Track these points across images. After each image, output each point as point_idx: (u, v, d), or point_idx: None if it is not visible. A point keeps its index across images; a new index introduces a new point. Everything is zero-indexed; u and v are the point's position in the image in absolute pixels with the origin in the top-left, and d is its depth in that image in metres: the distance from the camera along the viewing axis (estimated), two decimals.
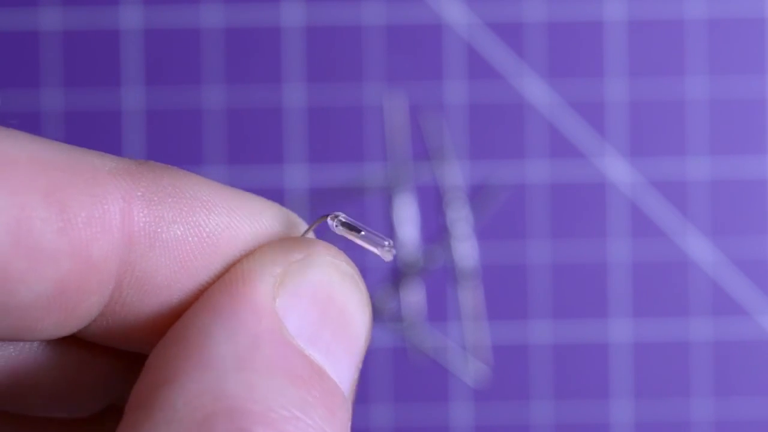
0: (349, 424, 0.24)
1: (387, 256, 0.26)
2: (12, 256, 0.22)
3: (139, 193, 0.24)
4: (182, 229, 0.24)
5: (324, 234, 0.27)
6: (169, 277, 0.24)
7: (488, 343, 0.64)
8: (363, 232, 0.27)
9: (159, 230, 0.24)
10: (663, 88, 0.64)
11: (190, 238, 0.24)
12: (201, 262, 0.25)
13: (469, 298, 0.64)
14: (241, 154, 0.64)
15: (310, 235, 0.26)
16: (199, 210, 0.24)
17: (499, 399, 0.64)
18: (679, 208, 0.64)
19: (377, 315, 0.64)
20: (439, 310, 0.64)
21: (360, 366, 0.25)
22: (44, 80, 0.64)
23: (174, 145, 0.64)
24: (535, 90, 0.64)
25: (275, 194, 0.64)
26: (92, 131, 0.64)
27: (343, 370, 0.24)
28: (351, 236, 0.27)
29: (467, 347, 0.64)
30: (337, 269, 0.25)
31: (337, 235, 0.27)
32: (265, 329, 0.23)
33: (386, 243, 0.26)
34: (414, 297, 0.64)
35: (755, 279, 0.64)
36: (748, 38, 0.64)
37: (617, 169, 0.64)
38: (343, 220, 0.27)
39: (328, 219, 0.27)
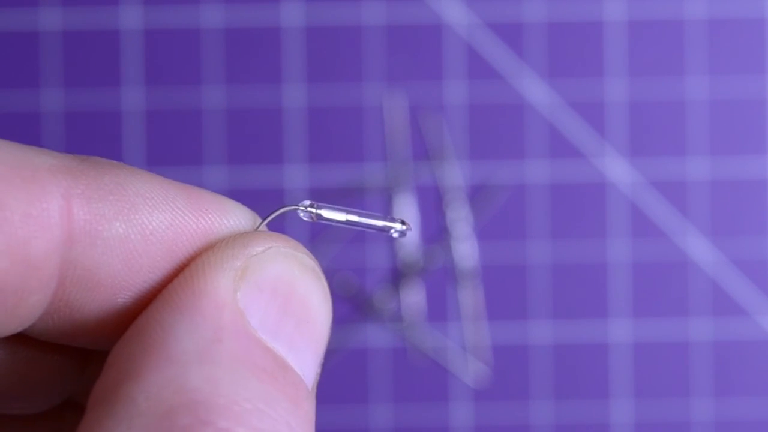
0: (314, 416, 0.24)
1: (401, 235, 0.26)
2: None
3: (79, 191, 0.24)
4: (124, 226, 0.24)
5: (326, 230, 0.27)
6: (114, 275, 0.24)
7: (488, 343, 0.64)
8: (351, 216, 0.27)
9: (100, 228, 0.24)
10: (663, 88, 0.64)
11: (132, 236, 0.24)
12: (146, 259, 0.24)
13: (469, 298, 0.64)
14: (241, 154, 0.64)
15: (264, 228, 0.26)
16: (141, 207, 0.24)
17: (499, 399, 0.64)
18: (679, 208, 0.64)
19: (377, 315, 0.64)
20: (439, 310, 0.64)
21: (322, 359, 0.25)
22: (44, 80, 0.64)
23: (174, 145, 0.64)
24: (535, 90, 0.64)
25: (275, 194, 0.64)
26: (92, 131, 0.64)
27: (306, 362, 0.24)
28: (339, 222, 0.27)
29: (467, 347, 0.64)
30: (297, 261, 0.25)
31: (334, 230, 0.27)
32: (227, 322, 0.23)
33: (397, 221, 0.26)
34: (414, 297, 0.64)
35: (755, 279, 0.64)
36: (748, 38, 0.64)
37: (617, 169, 0.64)
38: (317, 208, 0.27)
39: (300, 212, 0.27)
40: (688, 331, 0.64)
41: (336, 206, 0.27)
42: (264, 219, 0.26)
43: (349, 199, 0.64)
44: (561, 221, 0.64)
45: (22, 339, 0.26)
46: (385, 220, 0.27)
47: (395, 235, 0.27)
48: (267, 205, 0.64)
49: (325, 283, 0.25)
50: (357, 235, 0.64)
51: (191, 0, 0.64)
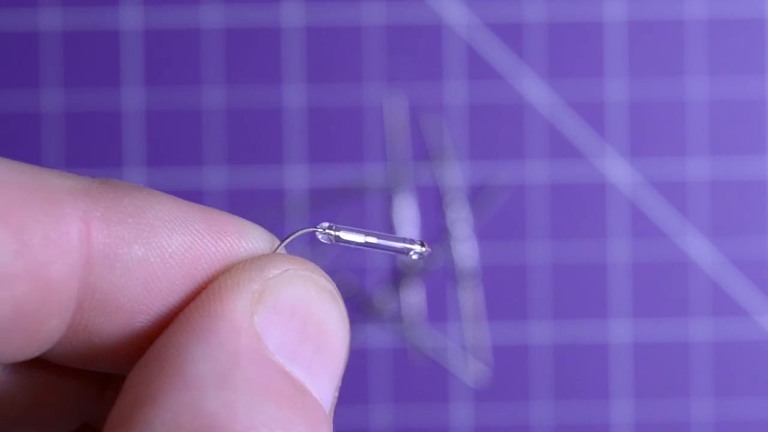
0: None
1: (420, 256, 0.26)
2: None
3: (98, 214, 0.23)
4: (143, 249, 0.24)
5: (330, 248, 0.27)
6: (133, 299, 0.24)
7: (488, 343, 0.64)
8: (370, 238, 0.26)
9: (119, 251, 0.23)
10: (663, 88, 0.64)
11: (152, 259, 0.24)
12: (165, 282, 0.24)
13: (469, 298, 0.64)
14: (241, 154, 0.64)
15: (282, 250, 0.26)
16: (160, 230, 0.24)
17: (499, 399, 0.64)
18: (679, 209, 0.64)
19: (377, 315, 0.64)
20: (439, 310, 0.64)
21: (339, 384, 0.25)
22: (44, 80, 0.64)
23: (174, 145, 0.64)
24: (535, 90, 0.64)
25: (275, 194, 0.64)
26: (92, 131, 0.64)
27: (324, 386, 0.24)
28: (357, 244, 0.27)
29: (467, 347, 0.64)
30: (315, 284, 0.24)
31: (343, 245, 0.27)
32: (244, 346, 0.23)
33: (417, 243, 0.26)
34: (414, 297, 0.64)
35: (755, 279, 0.64)
36: (748, 38, 0.64)
37: (617, 169, 0.64)
38: (335, 230, 0.27)
39: (318, 234, 0.27)
40: (688, 331, 0.64)
41: (354, 228, 0.27)
42: (282, 241, 0.26)
43: (349, 200, 0.64)
44: (561, 221, 0.64)
45: (39, 363, 0.25)
46: (404, 241, 0.27)
47: (414, 257, 0.27)
48: (267, 205, 0.64)
49: (342, 307, 0.25)
50: None
51: (191, 0, 0.64)
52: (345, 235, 0.27)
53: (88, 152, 0.64)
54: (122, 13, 0.64)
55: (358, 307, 0.63)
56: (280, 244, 0.26)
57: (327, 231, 0.27)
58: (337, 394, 0.25)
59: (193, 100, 0.64)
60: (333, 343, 0.25)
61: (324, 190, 0.64)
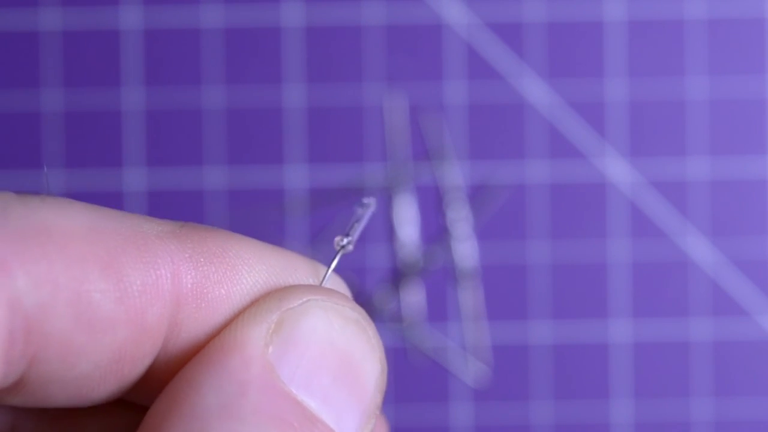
0: None
1: (373, 207, 0.27)
2: (73, 330, 0.22)
3: (187, 255, 0.24)
4: (226, 288, 0.24)
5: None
6: (213, 335, 0.24)
7: (488, 343, 0.64)
8: (356, 224, 0.27)
9: (205, 290, 0.24)
10: (663, 88, 0.64)
11: (233, 297, 0.24)
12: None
13: (469, 298, 0.64)
14: (241, 154, 0.64)
15: (329, 281, 0.26)
16: (241, 269, 0.24)
17: (499, 399, 0.64)
18: (679, 208, 0.64)
19: (377, 315, 0.64)
20: (439, 310, 0.64)
21: (372, 415, 0.25)
22: (44, 80, 0.64)
23: (174, 145, 0.64)
24: (535, 90, 0.64)
25: (275, 194, 0.64)
26: (92, 131, 0.64)
27: (347, 418, 0.24)
28: (359, 228, 0.27)
29: (467, 347, 0.64)
30: (338, 314, 0.24)
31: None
32: (254, 376, 0.23)
33: (364, 202, 0.27)
34: (414, 297, 0.64)
35: (755, 279, 0.64)
36: (748, 38, 0.64)
37: (617, 169, 0.64)
38: (346, 240, 0.27)
39: (341, 250, 0.27)
40: (688, 331, 0.64)
41: (351, 229, 0.27)
42: (326, 271, 0.26)
43: (349, 200, 0.64)
44: (561, 221, 0.64)
45: (121, 403, 0.26)
46: (357, 214, 0.28)
47: (359, 210, 0.28)
48: (267, 205, 0.64)
49: (372, 335, 0.25)
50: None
51: (191, 0, 0.64)
52: (354, 237, 0.27)
53: (88, 152, 0.64)
54: (122, 13, 0.64)
55: None
56: (326, 274, 0.26)
57: (348, 243, 0.27)
58: (372, 427, 0.25)
59: (193, 100, 0.64)
60: (358, 373, 0.24)
61: (324, 190, 0.64)
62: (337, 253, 0.27)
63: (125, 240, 0.23)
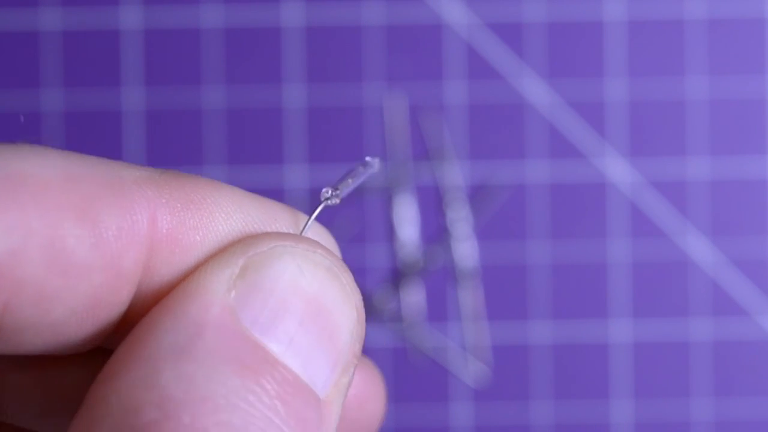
0: (324, 425, 0.23)
1: (375, 168, 0.26)
2: (47, 275, 0.22)
3: (164, 200, 0.24)
4: (201, 234, 0.24)
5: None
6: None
7: (488, 343, 0.64)
8: (350, 180, 0.26)
9: (180, 236, 0.24)
10: (663, 88, 0.64)
11: (207, 244, 0.24)
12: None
13: (469, 298, 0.64)
14: (241, 154, 0.64)
15: (312, 233, 0.26)
16: (218, 216, 0.24)
17: (499, 399, 0.64)
18: (679, 208, 0.64)
19: (377, 315, 0.64)
20: (439, 310, 0.64)
21: (349, 364, 0.24)
22: (44, 80, 0.64)
23: (174, 145, 0.64)
24: (535, 90, 0.64)
25: (275, 194, 0.64)
26: (92, 131, 0.64)
27: (316, 365, 0.23)
28: (351, 186, 0.26)
29: (467, 347, 0.64)
30: (307, 260, 0.24)
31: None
32: (212, 318, 0.22)
33: (367, 160, 0.26)
34: (414, 297, 0.64)
35: (755, 279, 0.64)
36: (748, 38, 0.64)
37: (617, 169, 0.64)
38: (333, 191, 0.26)
39: (326, 201, 0.26)
40: (688, 331, 0.64)
41: (343, 181, 0.27)
42: (307, 220, 0.26)
43: (349, 199, 0.64)
44: (561, 221, 0.64)
45: (101, 352, 0.26)
46: (355, 170, 0.27)
47: (362, 168, 0.27)
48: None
49: (346, 282, 0.24)
50: (357, 235, 0.64)
51: (191, 0, 0.64)
52: (344, 190, 0.27)
53: (88, 152, 0.64)
54: (122, 13, 0.64)
55: None
56: (306, 223, 0.25)
57: (334, 196, 0.26)
58: (346, 380, 0.24)
59: (193, 100, 0.64)
60: (330, 319, 0.24)
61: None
62: (321, 203, 0.26)
63: (101, 186, 0.23)
